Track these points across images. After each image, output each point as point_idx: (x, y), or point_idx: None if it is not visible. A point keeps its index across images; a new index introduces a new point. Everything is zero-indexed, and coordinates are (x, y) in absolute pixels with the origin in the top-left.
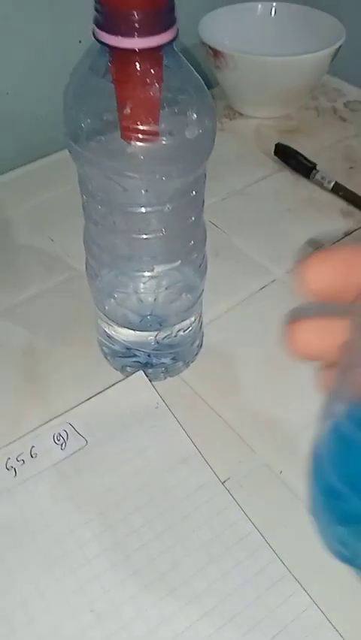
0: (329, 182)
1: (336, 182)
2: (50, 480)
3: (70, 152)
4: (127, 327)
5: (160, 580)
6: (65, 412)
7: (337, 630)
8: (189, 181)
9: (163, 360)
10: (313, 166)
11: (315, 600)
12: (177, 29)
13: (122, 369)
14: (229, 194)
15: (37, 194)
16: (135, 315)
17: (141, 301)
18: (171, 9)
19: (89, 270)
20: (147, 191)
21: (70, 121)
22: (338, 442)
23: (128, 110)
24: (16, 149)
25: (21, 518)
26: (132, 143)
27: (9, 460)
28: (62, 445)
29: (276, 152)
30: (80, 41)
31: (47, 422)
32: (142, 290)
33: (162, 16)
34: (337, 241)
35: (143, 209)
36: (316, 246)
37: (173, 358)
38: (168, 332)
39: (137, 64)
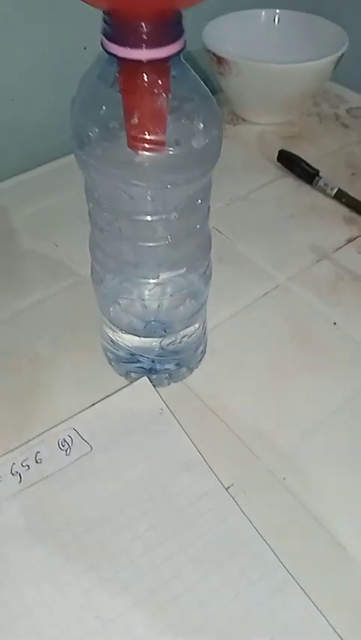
0: (332, 189)
1: (339, 188)
2: (55, 485)
3: (77, 159)
4: (131, 334)
5: (164, 586)
6: (70, 417)
7: (340, 636)
8: (195, 190)
9: (167, 366)
10: (316, 172)
11: (318, 606)
12: (185, 40)
13: (127, 374)
14: (233, 200)
15: (42, 199)
16: (140, 320)
17: (146, 307)
18: (179, 21)
19: (94, 275)
20: (153, 199)
21: (77, 129)
22: None
23: (135, 120)
24: (21, 155)
25: (26, 524)
26: (139, 152)
27: (14, 466)
28: (66, 450)
29: (279, 159)
30: (85, 48)
31: (51, 428)
32: (147, 296)
33: (170, 28)
34: (340, 248)
35: (149, 218)
36: (319, 252)
37: (177, 364)
38: (173, 338)
39: (145, 74)
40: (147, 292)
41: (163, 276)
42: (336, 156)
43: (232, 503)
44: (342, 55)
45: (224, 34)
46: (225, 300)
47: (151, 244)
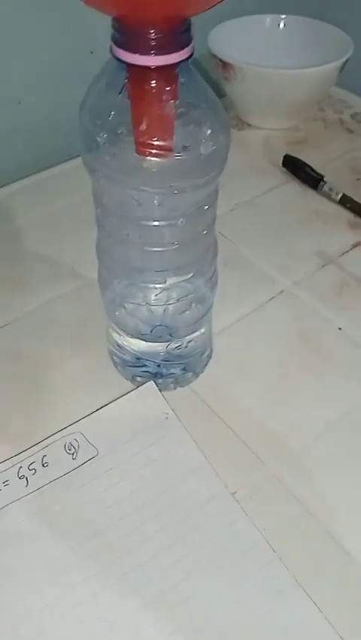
0: (337, 194)
1: (344, 193)
2: (62, 489)
3: (85, 164)
4: (138, 338)
5: (172, 590)
6: (76, 421)
7: None
8: (202, 196)
9: (173, 370)
10: (321, 177)
11: (324, 612)
12: (193, 47)
13: (133, 378)
14: (238, 205)
15: (49, 202)
16: (146, 325)
17: (152, 312)
18: (188, 28)
19: (100, 280)
20: (160, 205)
21: (86, 135)
22: None
23: (143, 126)
24: (28, 158)
25: (32, 527)
26: (147, 158)
27: (21, 469)
28: (73, 454)
29: (284, 164)
30: (91, 52)
31: (58, 431)
32: (153, 301)
33: (179, 35)
34: (345, 253)
35: (156, 223)
36: (324, 257)
37: (183, 369)
38: (179, 343)
39: (153, 81)
40: (153, 297)
41: (170, 281)
42: (341, 161)
43: (237, 508)
44: (347, 60)
45: (229, 40)
46: (230, 304)
47: (158, 249)
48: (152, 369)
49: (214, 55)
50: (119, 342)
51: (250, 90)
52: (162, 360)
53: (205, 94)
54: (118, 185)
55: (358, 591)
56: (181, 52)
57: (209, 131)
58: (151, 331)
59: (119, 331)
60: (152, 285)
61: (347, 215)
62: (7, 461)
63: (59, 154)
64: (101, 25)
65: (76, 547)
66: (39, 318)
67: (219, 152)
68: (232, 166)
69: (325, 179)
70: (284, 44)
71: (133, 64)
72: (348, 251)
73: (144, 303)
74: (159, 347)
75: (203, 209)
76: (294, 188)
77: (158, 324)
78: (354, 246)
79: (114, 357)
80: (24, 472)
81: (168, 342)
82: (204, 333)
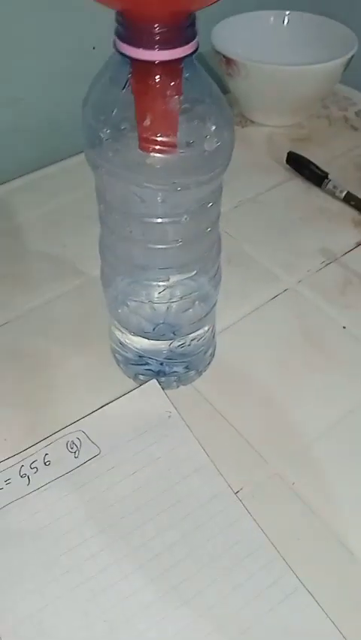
0: (341, 192)
1: (348, 191)
2: (63, 488)
3: (88, 160)
4: (140, 336)
5: (174, 590)
6: (79, 419)
7: None
8: (206, 192)
9: (176, 368)
10: (325, 175)
11: (328, 614)
12: (198, 42)
13: (135, 376)
14: (241, 202)
15: (51, 199)
16: (149, 323)
17: (154, 309)
18: (193, 22)
19: (103, 277)
20: (164, 201)
21: (89, 131)
22: None
23: (147, 122)
24: (31, 154)
25: (34, 526)
26: (151, 154)
27: (22, 468)
28: (75, 453)
29: (288, 161)
30: (93, 48)
31: (59, 430)
32: (156, 299)
33: (183, 30)
34: (349, 251)
35: (160, 220)
36: (327, 255)
37: (186, 367)
38: (182, 341)
39: (157, 76)
40: (156, 294)
41: (173, 278)
42: (345, 158)
43: (240, 507)
44: (352, 57)
45: (233, 36)
46: (234, 302)
47: (161, 247)
48: (154, 367)
49: (218, 52)
50: (122, 339)
51: (253, 87)
52: (165, 359)
53: (210, 89)
54: (121, 181)
55: None
56: (186, 46)
57: (213, 127)
58: (154, 329)
59: (122, 329)
60: (155, 283)
61: (351, 212)
62: (8, 459)
63: (61, 150)
64: (104, 20)
65: (77, 547)
66: (41, 315)
67: (224, 149)
68: (236, 163)
69: (329, 176)
70: (288, 41)
71: (137, 59)
72: (352, 249)
73: (146, 301)
74: (161, 345)
75: (207, 206)
76: (298, 186)
77: (161, 322)
78: (358, 244)
79: (117, 355)
80: (26, 470)
81: (171, 340)
82: (207, 331)
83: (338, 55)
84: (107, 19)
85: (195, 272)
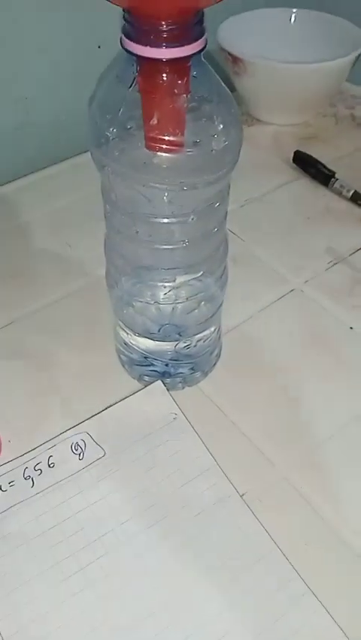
0: (348, 191)
1: (355, 190)
2: (68, 491)
3: (94, 160)
4: (146, 337)
5: (181, 595)
6: (83, 421)
7: None
8: (213, 192)
9: (181, 370)
10: (332, 174)
11: (336, 619)
12: (206, 40)
13: (140, 378)
14: (248, 202)
15: (55, 198)
16: (154, 323)
17: (160, 310)
18: (200, 20)
19: (108, 277)
20: (170, 201)
21: (95, 130)
22: None
23: (154, 121)
24: (35, 153)
25: (38, 529)
26: (157, 153)
27: (26, 470)
28: (80, 454)
29: (295, 160)
30: (99, 47)
31: (64, 431)
32: (162, 300)
33: (191, 27)
34: (356, 251)
35: (166, 220)
36: (334, 255)
37: (191, 368)
38: (188, 342)
39: (164, 74)
40: (162, 295)
41: (179, 279)
42: (352, 158)
43: (247, 511)
44: (359, 55)
45: (239, 34)
46: (240, 303)
47: (168, 247)
48: (160, 368)
49: (224, 50)
50: (127, 340)
51: (260, 85)
52: (170, 360)
53: (217, 88)
54: (127, 181)
55: None
56: (194, 44)
57: (221, 126)
58: (159, 330)
59: (127, 330)
60: (161, 284)
61: (358, 212)
62: (12, 461)
63: (66, 149)
64: (109, 19)
65: (81, 550)
66: (45, 315)
67: (232, 148)
68: (242, 162)
69: (336, 175)
70: (295, 38)
71: (144, 57)
72: (360, 249)
73: (152, 302)
74: (167, 346)
75: (214, 206)
76: (305, 185)
77: (166, 322)
78: None
79: (122, 355)
80: (30, 472)
81: (176, 341)
82: (213, 332)
83: (345, 53)
84: (113, 17)
85: (201, 272)
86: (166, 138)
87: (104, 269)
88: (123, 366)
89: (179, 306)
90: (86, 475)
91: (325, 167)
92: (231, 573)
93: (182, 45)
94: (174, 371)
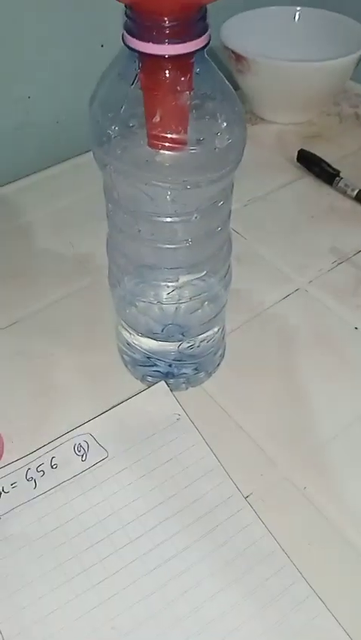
0: (353, 190)
1: (360, 189)
2: (71, 492)
3: (96, 158)
4: (148, 337)
5: (183, 597)
6: (86, 422)
7: None
8: (217, 191)
9: (185, 370)
10: (337, 173)
11: (340, 622)
12: (210, 36)
13: (143, 378)
14: (251, 201)
15: (58, 198)
16: (157, 323)
17: (163, 310)
18: (204, 16)
19: (111, 277)
20: (173, 200)
21: (97, 128)
22: None
23: (157, 118)
24: (38, 153)
25: (41, 531)
26: (160, 151)
27: (29, 471)
28: (82, 456)
29: (299, 159)
30: (102, 46)
31: (67, 432)
32: (165, 299)
33: (194, 23)
34: (360, 251)
35: (169, 219)
36: (339, 255)
37: (195, 369)
38: (191, 342)
39: (167, 71)
40: (165, 295)
41: (182, 279)
42: (357, 156)
43: (251, 513)
44: None
45: (243, 32)
46: (243, 302)
47: (171, 246)
48: (163, 368)
49: (227, 48)
50: (130, 340)
51: (263, 83)
52: (174, 360)
53: (221, 85)
54: (130, 179)
55: None
56: (197, 40)
57: (225, 124)
58: (162, 330)
59: (130, 330)
60: (164, 283)
61: None
62: (15, 463)
63: (69, 149)
64: (112, 18)
65: (85, 552)
66: (48, 316)
67: (235, 146)
68: (245, 161)
69: (340, 174)
70: (299, 37)
71: (146, 54)
72: None
73: (155, 302)
74: (170, 346)
75: (218, 204)
76: (309, 184)
77: (169, 322)
78: None
79: (124, 356)
80: (32, 474)
81: (179, 341)
82: (217, 332)
83: (349, 51)
84: (115, 16)
85: (204, 272)
86: (169, 136)
87: (106, 269)
88: (126, 366)
89: (182, 305)
90: (89, 477)
91: (329, 165)
92: (234, 574)
93: (185, 41)
94: (177, 371)
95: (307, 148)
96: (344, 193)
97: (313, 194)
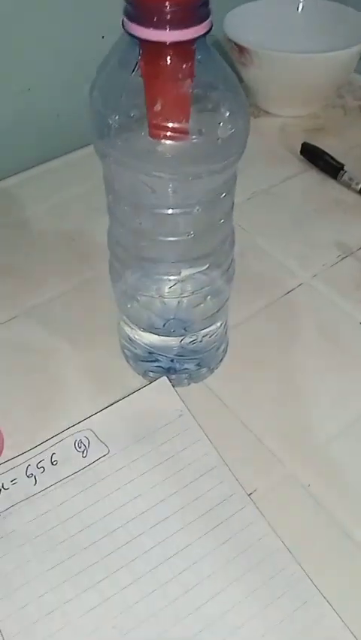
0: (357, 184)
1: None
2: (71, 489)
3: (96, 150)
4: (150, 332)
5: (186, 595)
6: (86, 418)
7: None
8: (219, 182)
9: (187, 365)
10: (341, 166)
11: (345, 621)
12: (212, 22)
13: (145, 373)
14: (255, 194)
15: (59, 191)
16: (159, 318)
17: (165, 305)
18: (206, 1)
19: (112, 271)
20: (175, 192)
21: (96, 118)
22: None
23: (158, 107)
24: (38, 146)
25: (41, 528)
26: (161, 141)
27: (29, 468)
28: (83, 452)
29: (302, 152)
30: (103, 37)
31: (67, 428)
32: (167, 294)
33: (196, 9)
34: None
35: (171, 211)
36: (343, 249)
37: (197, 364)
38: (194, 337)
39: (168, 58)
40: (166, 289)
41: (184, 272)
42: None
43: (254, 510)
44: None
45: (246, 23)
46: (247, 297)
47: (172, 239)
48: (165, 364)
49: (230, 40)
50: (131, 335)
51: (267, 75)
52: (176, 355)
53: (224, 73)
54: (130, 170)
55: None
56: (199, 26)
57: (227, 114)
58: (164, 325)
59: (131, 325)
60: (165, 277)
61: None
62: (15, 459)
63: (69, 142)
64: (114, 9)
65: (86, 550)
66: (48, 310)
67: (238, 136)
68: (249, 154)
69: (345, 167)
70: (303, 28)
71: (147, 40)
72: None
73: (157, 296)
74: (172, 341)
75: (220, 196)
76: (312, 177)
77: (171, 317)
78: None
79: (126, 351)
80: (32, 470)
81: (181, 336)
82: (219, 327)
83: (353, 43)
84: (117, 7)
85: (207, 266)
86: (170, 125)
87: (107, 263)
88: (128, 361)
89: (184, 300)
90: (90, 474)
91: (333, 159)
92: (237, 572)
93: (186, 27)
94: (179, 367)
95: (311, 141)
96: (349, 186)
97: (317, 187)
